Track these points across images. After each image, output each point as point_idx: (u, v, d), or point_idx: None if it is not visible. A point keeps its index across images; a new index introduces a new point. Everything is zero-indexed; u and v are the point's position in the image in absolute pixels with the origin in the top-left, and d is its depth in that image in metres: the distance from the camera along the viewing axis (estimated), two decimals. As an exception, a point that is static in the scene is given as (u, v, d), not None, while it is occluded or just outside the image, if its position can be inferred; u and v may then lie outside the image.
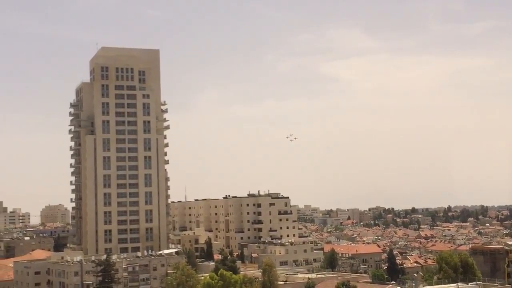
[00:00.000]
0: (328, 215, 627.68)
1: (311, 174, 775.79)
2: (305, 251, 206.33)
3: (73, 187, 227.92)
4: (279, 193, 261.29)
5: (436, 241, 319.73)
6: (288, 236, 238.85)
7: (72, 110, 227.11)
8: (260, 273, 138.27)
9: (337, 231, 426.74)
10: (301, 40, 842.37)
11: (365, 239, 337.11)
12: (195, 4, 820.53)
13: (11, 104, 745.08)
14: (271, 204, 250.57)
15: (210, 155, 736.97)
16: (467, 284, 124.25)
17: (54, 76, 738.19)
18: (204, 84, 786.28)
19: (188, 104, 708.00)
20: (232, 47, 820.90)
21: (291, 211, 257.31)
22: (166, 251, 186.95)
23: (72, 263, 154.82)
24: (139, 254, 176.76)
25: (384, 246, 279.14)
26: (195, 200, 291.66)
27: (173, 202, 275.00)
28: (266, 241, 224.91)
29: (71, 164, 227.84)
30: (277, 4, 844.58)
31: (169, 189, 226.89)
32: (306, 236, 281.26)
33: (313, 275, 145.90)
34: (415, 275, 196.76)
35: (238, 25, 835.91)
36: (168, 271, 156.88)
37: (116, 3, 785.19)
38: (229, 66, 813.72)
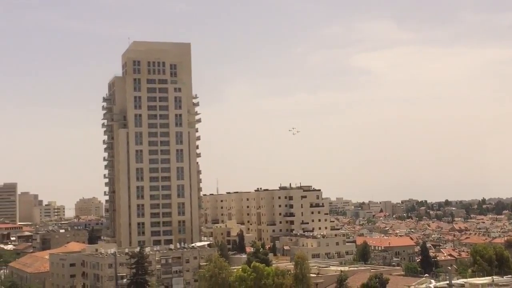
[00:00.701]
0: (360, 208, 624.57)
1: (343, 166, 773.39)
2: (337, 243, 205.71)
3: (107, 180, 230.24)
4: (311, 186, 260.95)
5: (470, 234, 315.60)
6: (320, 228, 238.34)
7: (105, 104, 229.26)
8: (292, 266, 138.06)
9: (370, 224, 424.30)
10: (331, 33, 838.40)
11: (397, 231, 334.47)
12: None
13: (47, 99, 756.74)
14: (302, 197, 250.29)
15: (242, 148, 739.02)
16: (503, 278, 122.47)
17: (87, 70, 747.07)
18: (235, 77, 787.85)
19: (219, 97, 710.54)
20: (263, 40, 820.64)
21: (323, 203, 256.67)
22: (198, 244, 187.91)
23: (106, 255, 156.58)
24: (171, 246, 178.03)
25: (417, 239, 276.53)
26: (227, 193, 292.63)
27: (205, 195, 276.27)
28: (298, 234, 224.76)
29: (104, 158, 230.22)
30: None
31: (201, 182, 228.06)
32: (338, 229, 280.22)
33: (346, 268, 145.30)
34: (449, 268, 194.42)
35: (268, 18, 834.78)
36: (201, 264, 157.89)
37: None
38: (260, 59, 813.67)
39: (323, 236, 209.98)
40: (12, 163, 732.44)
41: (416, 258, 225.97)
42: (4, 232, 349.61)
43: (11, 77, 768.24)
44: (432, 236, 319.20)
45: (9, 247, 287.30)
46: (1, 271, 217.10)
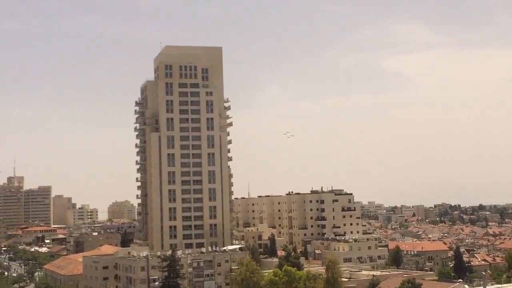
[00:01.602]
0: (392, 212, 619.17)
1: (374, 170, 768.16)
2: (369, 248, 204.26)
3: (139, 183, 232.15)
4: (342, 190, 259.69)
5: (505, 238, 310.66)
6: (351, 232, 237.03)
7: (137, 108, 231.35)
8: (324, 270, 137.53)
9: (402, 228, 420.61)
10: (363, 35, 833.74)
11: (430, 236, 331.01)
12: (256, 1, 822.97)
13: (80, 103, 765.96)
14: (334, 201, 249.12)
15: (273, 151, 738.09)
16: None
17: (120, 75, 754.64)
18: (266, 80, 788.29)
19: (250, 101, 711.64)
20: (294, 43, 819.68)
21: (354, 207, 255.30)
22: (230, 247, 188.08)
23: (139, 258, 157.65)
24: (203, 250, 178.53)
25: (450, 243, 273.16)
26: (258, 196, 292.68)
27: (237, 198, 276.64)
28: (330, 238, 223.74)
29: (136, 161, 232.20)
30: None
31: (232, 186, 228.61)
32: (370, 233, 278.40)
33: (378, 272, 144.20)
34: (483, 273, 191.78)
35: (299, 21, 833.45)
36: (232, 267, 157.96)
37: (179, 2, 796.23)
38: (291, 63, 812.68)
39: (355, 240, 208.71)
40: (47, 166, 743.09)
41: (449, 263, 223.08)
42: (39, 234, 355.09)
43: (44, 81, 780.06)
44: (466, 240, 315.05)
45: (44, 249, 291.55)
46: (36, 273, 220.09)
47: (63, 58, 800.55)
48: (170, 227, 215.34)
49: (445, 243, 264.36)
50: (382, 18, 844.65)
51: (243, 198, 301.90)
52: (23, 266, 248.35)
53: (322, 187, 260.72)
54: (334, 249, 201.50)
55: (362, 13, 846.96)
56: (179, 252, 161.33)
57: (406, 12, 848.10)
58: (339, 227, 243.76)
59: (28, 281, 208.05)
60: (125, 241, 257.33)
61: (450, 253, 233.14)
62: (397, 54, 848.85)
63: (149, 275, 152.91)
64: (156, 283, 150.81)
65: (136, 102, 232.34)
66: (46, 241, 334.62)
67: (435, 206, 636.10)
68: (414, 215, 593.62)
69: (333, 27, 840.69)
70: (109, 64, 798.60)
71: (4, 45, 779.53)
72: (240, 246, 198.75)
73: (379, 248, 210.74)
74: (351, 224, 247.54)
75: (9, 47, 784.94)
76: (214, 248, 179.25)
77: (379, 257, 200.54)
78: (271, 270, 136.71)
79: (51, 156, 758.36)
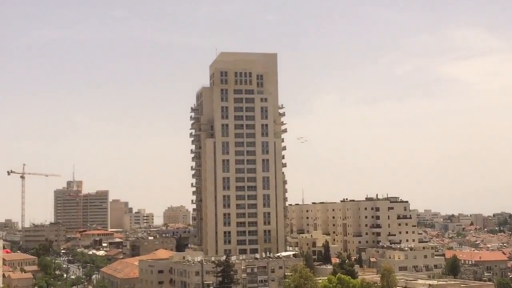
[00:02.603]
0: (449, 220, 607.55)
1: (431, 177, 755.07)
2: (425, 256, 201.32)
3: (194, 189, 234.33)
4: (398, 197, 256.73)
5: None
6: (407, 241, 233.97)
7: (192, 114, 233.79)
8: (379, 278, 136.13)
9: (459, 237, 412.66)
10: (420, 41, 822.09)
11: (489, 245, 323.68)
12: (311, 7, 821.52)
13: (137, 109, 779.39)
14: (389, 208, 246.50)
15: (327, 158, 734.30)
16: None
17: (177, 81, 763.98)
18: (321, 87, 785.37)
19: (305, 107, 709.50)
20: (350, 50, 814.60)
21: (410, 215, 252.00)
22: (284, 254, 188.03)
23: (193, 263, 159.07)
24: (257, 255, 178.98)
25: (510, 253, 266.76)
26: (313, 203, 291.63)
27: (291, 205, 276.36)
28: (385, 246, 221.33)
29: (192, 167, 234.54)
30: (395, 5, 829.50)
31: (286, 192, 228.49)
32: (426, 242, 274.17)
33: (434, 282, 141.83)
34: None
35: (354, 27, 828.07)
36: (286, 273, 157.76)
37: (234, 9, 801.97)
38: (347, 69, 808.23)
39: (411, 249, 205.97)
40: (104, 171, 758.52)
41: (508, 273, 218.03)
42: (97, 238, 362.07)
43: (103, 88, 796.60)
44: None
45: (101, 252, 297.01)
46: (94, 275, 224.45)
47: (121, 65, 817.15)
48: (225, 232, 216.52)
49: (504, 253, 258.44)
50: (440, 24, 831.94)
51: (297, 204, 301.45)
52: (81, 269, 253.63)
53: (377, 195, 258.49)
54: (389, 257, 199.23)
55: (419, 18, 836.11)
56: (233, 258, 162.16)
57: (465, 17, 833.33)
58: (395, 235, 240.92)
59: (86, 283, 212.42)
60: (180, 246, 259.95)
61: (510, 264, 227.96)
62: (456, 60, 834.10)
63: (203, 280, 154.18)
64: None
65: (191, 108, 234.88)
66: (103, 244, 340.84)
67: (494, 215, 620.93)
68: (472, 224, 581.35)
69: (390, 33, 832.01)
70: (166, 71, 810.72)
71: (67, 52, 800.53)
72: (294, 252, 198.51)
73: (435, 257, 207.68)
74: (407, 232, 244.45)
75: (71, 54, 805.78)
76: (268, 254, 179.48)
77: (435, 266, 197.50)
78: (325, 278, 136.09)
79: (109, 161, 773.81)
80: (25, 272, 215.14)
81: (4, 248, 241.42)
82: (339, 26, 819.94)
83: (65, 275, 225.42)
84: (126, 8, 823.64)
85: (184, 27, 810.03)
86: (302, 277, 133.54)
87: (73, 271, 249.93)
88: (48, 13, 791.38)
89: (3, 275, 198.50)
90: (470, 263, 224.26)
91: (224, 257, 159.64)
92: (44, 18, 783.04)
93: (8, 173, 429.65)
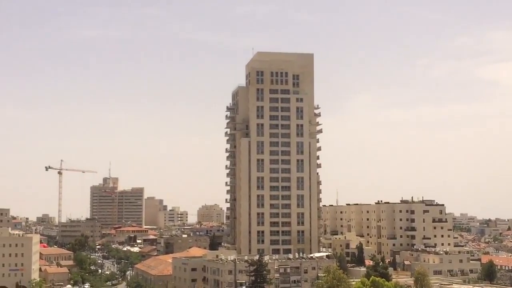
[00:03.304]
0: (486, 225, 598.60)
1: (468, 181, 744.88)
2: (460, 261, 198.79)
3: (228, 188, 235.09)
4: (434, 200, 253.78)
5: None
6: (442, 244, 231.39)
7: (228, 113, 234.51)
8: (413, 281, 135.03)
9: (496, 242, 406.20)
10: (458, 43, 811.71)
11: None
12: (347, 7, 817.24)
13: (173, 107, 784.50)
14: (425, 211, 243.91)
15: (363, 159, 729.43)
16: None
17: (213, 80, 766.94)
18: (357, 88, 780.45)
19: (341, 108, 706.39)
20: (386, 51, 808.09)
21: (446, 219, 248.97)
22: (317, 254, 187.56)
23: (226, 261, 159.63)
24: (290, 256, 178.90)
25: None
26: (347, 204, 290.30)
27: (325, 205, 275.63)
28: (419, 249, 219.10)
29: (226, 166, 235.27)
30: (432, 6, 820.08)
31: (320, 193, 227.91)
32: (462, 246, 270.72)
33: (469, 287, 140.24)
34: None
35: (391, 29, 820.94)
36: (319, 274, 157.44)
37: (270, 8, 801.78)
38: (383, 70, 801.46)
39: (446, 253, 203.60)
40: (140, 169, 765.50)
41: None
42: (131, 234, 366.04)
43: (139, 86, 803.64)
44: None
45: (135, 249, 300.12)
46: (128, 272, 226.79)
47: (157, 63, 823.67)
48: (258, 232, 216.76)
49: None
50: (478, 25, 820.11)
51: (331, 205, 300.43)
52: (115, 265, 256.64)
53: (412, 197, 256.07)
54: (424, 261, 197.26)
55: (457, 20, 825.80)
56: (266, 257, 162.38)
57: (504, 19, 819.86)
58: (430, 238, 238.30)
59: (120, 279, 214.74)
60: (214, 244, 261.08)
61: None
62: (494, 63, 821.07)
63: (236, 278, 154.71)
64: (243, 287, 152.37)
65: (227, 107, 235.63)
66: (138, 241, 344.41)
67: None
68: (509, 229, 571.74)
69: (428, 34, 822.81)
70: (202, 70, 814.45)
71: (104, 51, 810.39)
72: (327, 253, 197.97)
73: (471, 261, 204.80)
74: (442, 236, 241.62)
75: (107, 52, 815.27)
76: (301, 255, 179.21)
77: (471, 271, 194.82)
78: (359, 280, 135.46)
79: (144, 159, 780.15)
80: (61, 267, 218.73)
81: (41, 242, 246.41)
82: (375, 26, 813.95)
83: (99, 271, 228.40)
84: (162, 7, 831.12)
85: (221, 27, 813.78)
86: (335, 278, 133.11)
87: (108, 267, 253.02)
88: (85, 11, 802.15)
89: (40, 269, 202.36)
90: (506, 268, 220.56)
91: (257, 257, 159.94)
92: (81, 16, 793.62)
93: (46, 168, 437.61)
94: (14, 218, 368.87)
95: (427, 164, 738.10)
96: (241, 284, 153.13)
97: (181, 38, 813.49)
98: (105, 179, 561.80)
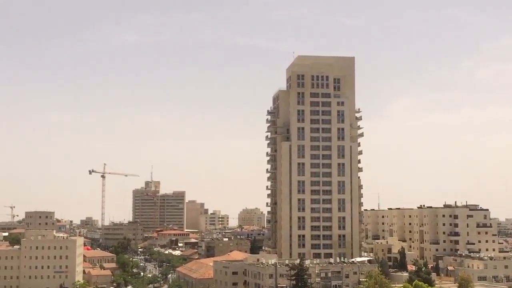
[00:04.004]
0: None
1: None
2: (506, 267, 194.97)
3: (269, 191, 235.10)
4: (478, 205, 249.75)
5: None
6: (487, 250, 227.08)
7: (269, 117, 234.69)
8: (456, 287, 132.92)
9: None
10: (503, 45, 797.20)
11: None
12: (389, 10, 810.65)
13: (214, 111, 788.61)
14: (468, 216, 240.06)
15: (404, 163, 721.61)
16: None
17: (253, 84, 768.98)
18: (398, 91, 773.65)
19: (382, 111, 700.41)
20: (428, 53, 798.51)
21: (490, 224, 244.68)
22: (358, 259, 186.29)
23: (267, 265, 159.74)
24: (331, 260, 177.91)
25: None
26: (388, 208, 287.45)
27: (366, 210, 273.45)
28: (463, 254, 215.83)
29: (267, 170, 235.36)
30: (476, 8, 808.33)
31: (362, 197, 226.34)
32: (508, 251, 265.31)
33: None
34: None
35: (434, 31, 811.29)
36: (361, 279, 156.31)
37: (311, 12, 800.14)
38: (425, 73, 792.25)
39: (491, 258, 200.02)
40: (181, 172, 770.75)
41: None
42: (173, 238, 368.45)
43: (181, 90, 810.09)
44: None
45: (177, 252, 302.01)
46: (169, 275, 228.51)
47: (198, 67, 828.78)
48: (299, 236, 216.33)
49: None
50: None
51: (373, 210, 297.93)
52: (157, 268, 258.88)
53: (455, 202, 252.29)
54: (468, 267, 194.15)
55: (501, 22, 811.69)
56: (307, 262, 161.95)
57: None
58: (474, 243, 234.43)
59: (162, 282, 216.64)
60: (254, 248, 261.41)
61: None
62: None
63: (277, 283, 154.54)
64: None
65: (268, 111, 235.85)
66: (179, 244, 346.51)
67: None
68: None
69: (471, 37, 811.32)
70: (242, 74, 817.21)
71: (144, 55, 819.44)
72: (369, 258, 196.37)
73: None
74: (487, 241, 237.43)
75: (148, 57, 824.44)
76: (342, 259, 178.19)
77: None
78: (401, 285, 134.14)
79: (186, 162, 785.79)
80: (104, 269, 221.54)
81: (84, 245, 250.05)
82: (417, 29, 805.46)
83: (142, 273, 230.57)
84: (202, 12, 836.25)
85: (261, 30, 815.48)
86: (377, 283, 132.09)
87: (150, 270, 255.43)
88: (126, 16, 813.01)
89: (84, 271, 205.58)
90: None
91: (298, 261, 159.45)
92: (122, 22, 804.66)
93: (90, 172, 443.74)
94: (58, 221, 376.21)
95: (471, 168, 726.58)
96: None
97: (222, 42, 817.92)
98: (147, 183, 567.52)
